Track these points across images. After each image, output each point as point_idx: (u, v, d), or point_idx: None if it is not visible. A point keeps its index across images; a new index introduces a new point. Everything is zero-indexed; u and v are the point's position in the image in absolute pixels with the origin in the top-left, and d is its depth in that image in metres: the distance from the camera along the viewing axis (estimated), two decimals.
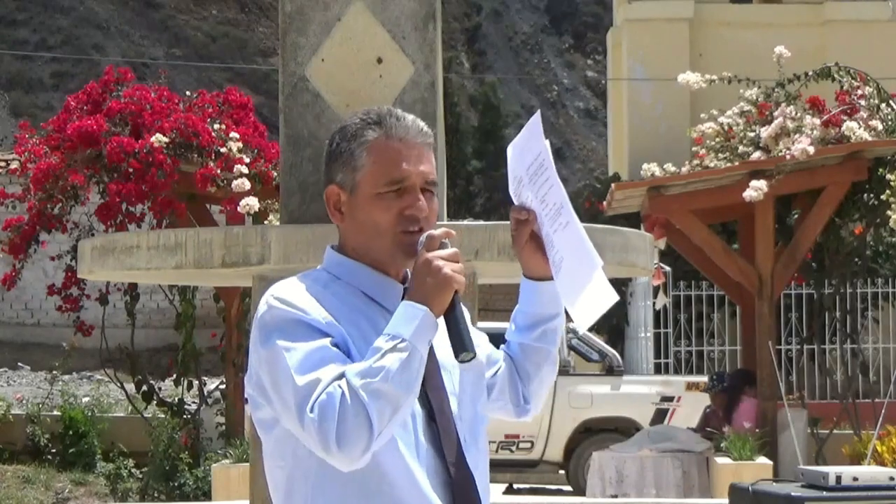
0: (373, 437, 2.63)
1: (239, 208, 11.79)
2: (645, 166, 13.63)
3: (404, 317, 2.68)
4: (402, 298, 2.76)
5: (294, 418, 2.68)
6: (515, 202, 3.01)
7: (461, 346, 2.72)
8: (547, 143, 2.97)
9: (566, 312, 3.03)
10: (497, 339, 3.13)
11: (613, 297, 2.88)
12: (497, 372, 3.09)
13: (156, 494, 13.28)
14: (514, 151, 3.02)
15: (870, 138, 12.47)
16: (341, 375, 2.66)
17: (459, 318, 2.74)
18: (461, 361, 2.74)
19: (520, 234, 2.98)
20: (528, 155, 2.98)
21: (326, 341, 2.73)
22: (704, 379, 15.54)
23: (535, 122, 2.99)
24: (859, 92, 12.99)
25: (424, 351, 2.68)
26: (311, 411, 2.64)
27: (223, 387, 14.17)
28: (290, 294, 2.79)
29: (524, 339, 3.08)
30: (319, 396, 2.64)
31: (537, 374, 3.09)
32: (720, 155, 13.11)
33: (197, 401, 14.40)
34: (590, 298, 2.89)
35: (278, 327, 2.75)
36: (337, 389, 2.64)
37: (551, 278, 2.97)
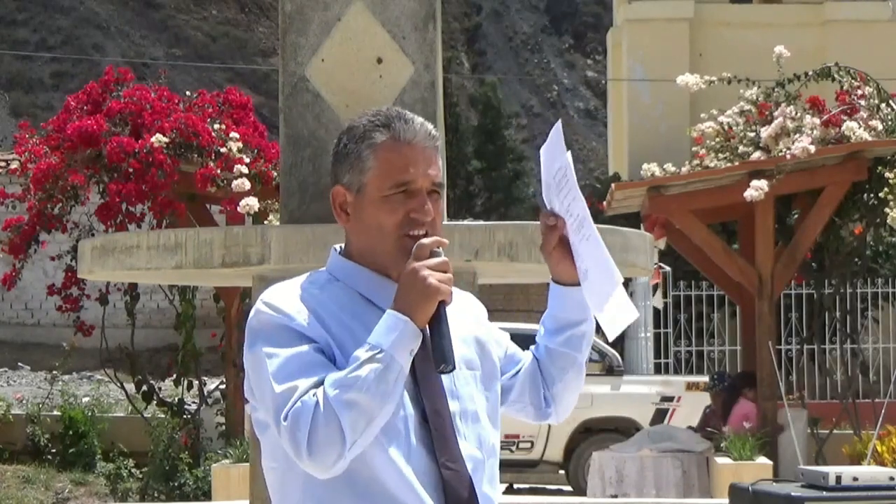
0: (345, 447, 2.63)
1: (239, 208, 11.78)
2: (645, 166, 13.62)
3: (385, 326, 2.68)
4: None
5: (272, 424, 2.71)
6: (546, 206, 3.00)
7: (441, 357, 2.71)
8: (569, 154, 2.97)
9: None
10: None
11: (634, 314, 2.91)
12: (517, 373, 3.08)
13: (156, 494, 13.28)
14: (544, 156, 3.02)
15: (870, 138, 12.46)
16: (320, 383, 2.66)
17: (444, 329, 2.72)
18: (440, 372, 2.74)
19: (548, 239, 2.97)
20: (555, 163, 2.98)
21: (310, 347, 2.73)
22: (704, 379, 15.54)
23: (557, 131, 2.99)
24: (859, 92, 12.98)
25: (405, 361, 2.68)
26: (285, 419, 2.65)
27: (223, 387, 14.16)
28: (279, 299, 2.80)
29: (550, 343, 3.07)
30: (294, 405, 2.65)
31: (561, 378, 3.07)
32: (720, 155, 13.09)
33: (197, 401, 14.39)
34: (614, 312, 2.92)
35: (263, 333, 2.77)
36: (311, 398, 2.64)
37: (578, 284, 2.97)
